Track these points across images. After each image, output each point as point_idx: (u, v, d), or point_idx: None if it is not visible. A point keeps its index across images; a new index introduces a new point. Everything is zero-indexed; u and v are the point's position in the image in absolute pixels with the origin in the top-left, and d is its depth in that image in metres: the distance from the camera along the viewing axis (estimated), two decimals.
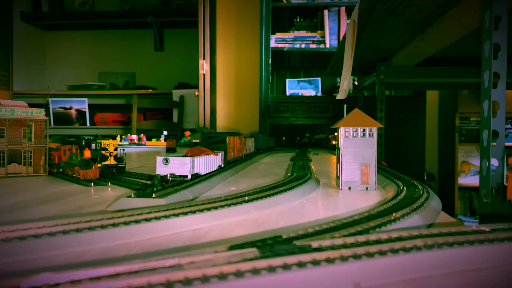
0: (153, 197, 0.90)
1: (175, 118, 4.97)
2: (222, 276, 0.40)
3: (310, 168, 1.64)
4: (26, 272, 0.43)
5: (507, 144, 1.40)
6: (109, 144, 1.42)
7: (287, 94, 4.36)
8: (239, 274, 0.41)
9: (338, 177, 1.25)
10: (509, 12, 1.02)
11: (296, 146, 3.92)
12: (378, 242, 0.54)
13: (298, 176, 1.33)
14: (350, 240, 0.54)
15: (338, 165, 1.24)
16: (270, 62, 3.96)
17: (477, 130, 3.75)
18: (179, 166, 1.10)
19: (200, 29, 4.41)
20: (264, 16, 3.92)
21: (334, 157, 2.06)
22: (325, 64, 3.99)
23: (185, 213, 0.75)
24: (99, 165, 1.39)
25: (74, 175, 1.37)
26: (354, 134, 1.18)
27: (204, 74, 4.44)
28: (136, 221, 0.68)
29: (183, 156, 1.14)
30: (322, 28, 4.10)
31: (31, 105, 1.53)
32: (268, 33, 3.94)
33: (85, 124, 5.27)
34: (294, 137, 4.13)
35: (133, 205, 0.87)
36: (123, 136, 4.13)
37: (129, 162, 2.01)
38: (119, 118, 5.32)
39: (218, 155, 1.43)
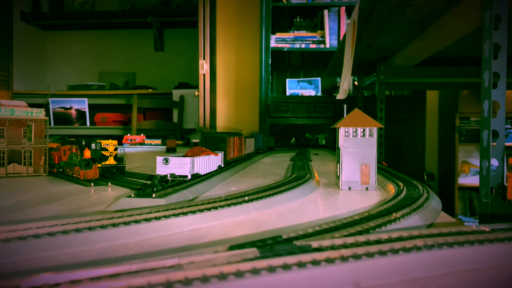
0: (153, 197, 0.90)
1: (175, 118, 4.97)
2: (222, 276, 0.40)
3: (310, 168, 1.64)
4: (26, 272, 0.43)
5: (507, 144, 1.40)
6: (109, 144, 1.42)
7: (287, 94, 4.36)
8: (239, 274, 0.41)
9: (338, 177, 1.25)
10: (509, 12, 1.02)
11: (296, 146, 3.92)
12: (378, 242, 0.54)
13: (298, 176, 1.33)
14: (350, 240, 0.54)
15: (338, 165, 1.24)
16: (270, 62, 3.96)
17: (477, 130, 3.75)
18: (179, 166, 1.10)
19: (200, 29, 4.41)
20: (264, 16, 3.91)
21: (335, 157, 2.05)
22: (325, 64, 3.99)
23: (185, 213, 0.75)
24: (99, 165, 1.39)
25: (74, 175, 1.37)
26: (354, 134, 1.18)
27: (204, 74, 4.44)
28: (136, 221, 0.68)
29: (183, 156, 1.14)
30: (322, 28, 4.10)
31: (31, 105, 1.53)
32: (268, 33, 3.93)
33: (85, 124, 5.27)
34: (294, 137, 4.13)
35: (133, 205, 0.87)
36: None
37: (129, 162, 2.01)
38: (119, 118, 5.31)
39: (218, 155, 1.43)
